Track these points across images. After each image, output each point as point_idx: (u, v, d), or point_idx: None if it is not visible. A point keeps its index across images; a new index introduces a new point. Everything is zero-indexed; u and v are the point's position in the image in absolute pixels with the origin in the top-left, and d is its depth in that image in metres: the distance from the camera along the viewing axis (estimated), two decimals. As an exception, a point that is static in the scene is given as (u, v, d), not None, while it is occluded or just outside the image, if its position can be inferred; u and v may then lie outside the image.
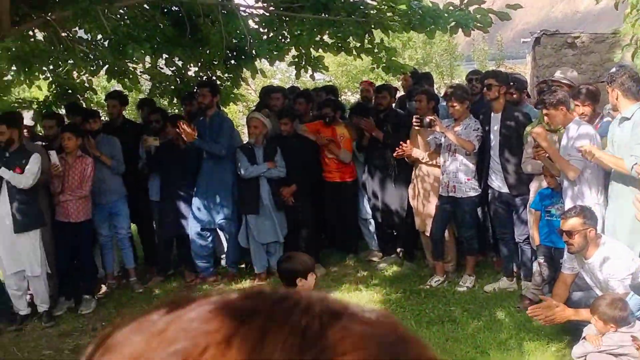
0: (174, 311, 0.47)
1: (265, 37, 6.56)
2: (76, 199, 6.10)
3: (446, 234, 6.25)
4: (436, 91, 8.49)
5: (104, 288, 6.76)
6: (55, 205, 6.17)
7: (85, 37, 7.17)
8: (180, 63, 7.40)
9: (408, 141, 6.16)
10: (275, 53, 6.35)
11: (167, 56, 6.97)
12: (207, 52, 6.94)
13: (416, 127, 6.09)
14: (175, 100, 8.11)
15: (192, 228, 6.73)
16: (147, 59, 6.86)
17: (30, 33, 6.61)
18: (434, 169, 6.24)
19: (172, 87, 7.78)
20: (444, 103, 6.47)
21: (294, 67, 7.25)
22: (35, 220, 5.78)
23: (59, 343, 5.53)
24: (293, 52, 7.02)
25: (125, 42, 5.35)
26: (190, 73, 7.76)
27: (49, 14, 5.41)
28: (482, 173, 5.96)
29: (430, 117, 5.87)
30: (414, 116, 6.08)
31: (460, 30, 5.88)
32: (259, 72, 7.38)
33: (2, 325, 5.85)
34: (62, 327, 5.84)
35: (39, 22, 5.54)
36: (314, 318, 0.44)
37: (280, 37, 6.58)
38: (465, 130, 5.86)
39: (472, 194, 5.97)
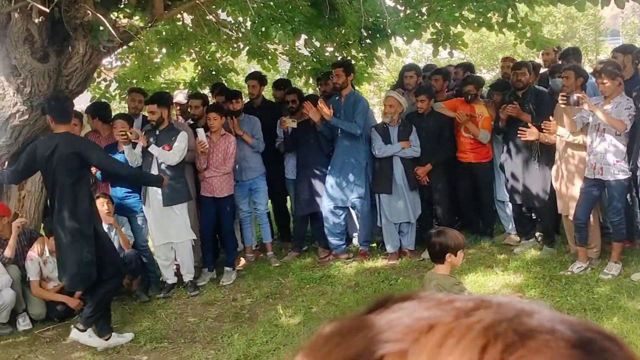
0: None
1: (402, 14, 6.49)
2: (220, 175, 6.39)
3: (590, 218, 5.93)
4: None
5: (243, 261, 7.04)
6: (201, 181, 6.50)
7: (227, 19, 7.43)
8: (317, 44, 7.48)
9: (552, 121, 5.88)
10: (412, 31, 6.26)
11: (305, 37, 7.07)
12: (343, 32, 6.97)
13: (562, 105, 5.80)
14: (310, 81, 8.23)
15: (325, 206, 6.85)
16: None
17: (179, 16, 6.95)
18: (579, 149, 5.92)
19: (309, 67, 7.89)
20: (592, 80, 6.09)
21: (431, 44, 7.12)
22: (182, 195, 6.10)
23: (203, 311, 5.83)
24: (430, 29, 6.89)
25: (268, 24, 5.48)
26: (326, 54, 7.83)
27: (197, -2, 5.64)
28: (632, 154, 5.58)
29: (578, 95, 5.56)
30: (560, 93, 5.79)
31: (612, 2, 5.50)
32: (393, 50, 7.32)
33: (152, 293, 6.27)
34: (205, 297, 6.15)
35: (188, 6, 5.80)
36: (497, 338, 0.42)
37: (417, 14, 6.47)
38: (616, 108, 5.50)
39: (622, 176, 5.61)
